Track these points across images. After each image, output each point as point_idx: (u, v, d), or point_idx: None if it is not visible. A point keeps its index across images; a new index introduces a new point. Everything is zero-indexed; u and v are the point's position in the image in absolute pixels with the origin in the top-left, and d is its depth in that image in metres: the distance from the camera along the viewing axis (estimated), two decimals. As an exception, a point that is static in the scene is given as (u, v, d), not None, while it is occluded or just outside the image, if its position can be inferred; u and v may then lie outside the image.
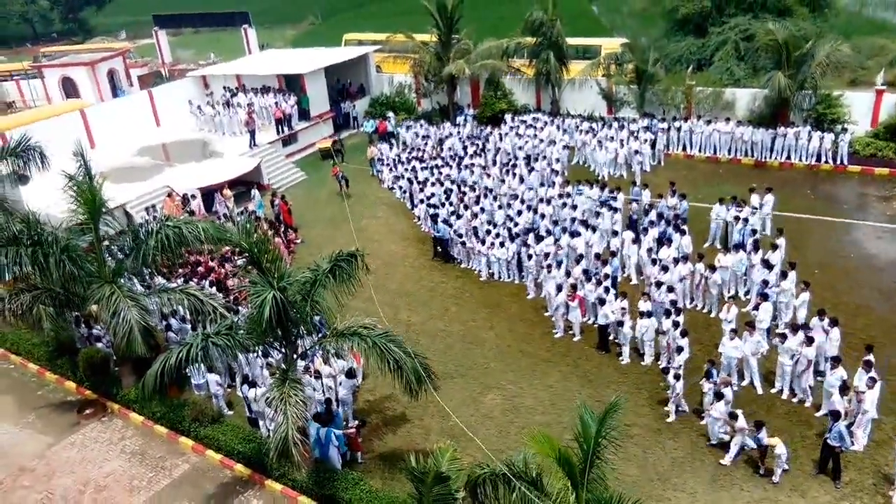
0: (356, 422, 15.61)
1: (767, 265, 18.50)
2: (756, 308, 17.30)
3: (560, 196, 24.23)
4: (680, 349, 15.97)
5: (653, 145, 28.91)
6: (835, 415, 13.48)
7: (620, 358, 17.68)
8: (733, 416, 14.11)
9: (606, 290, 18.34)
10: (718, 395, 14.44)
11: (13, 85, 50.59)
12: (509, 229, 22.10)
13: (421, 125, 34.05)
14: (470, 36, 34.77)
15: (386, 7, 69.57)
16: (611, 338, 18.24)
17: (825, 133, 27.25)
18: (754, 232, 20.43)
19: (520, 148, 29.63)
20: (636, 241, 20.88)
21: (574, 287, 18.61)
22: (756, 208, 21.86)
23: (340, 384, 16.21)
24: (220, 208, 27.16)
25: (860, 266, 20.70)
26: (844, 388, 14.10)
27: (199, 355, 13.76)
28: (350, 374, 16.23)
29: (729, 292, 19.35)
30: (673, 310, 16.97)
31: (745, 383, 16.11)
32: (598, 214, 22.84)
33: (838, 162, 27.04)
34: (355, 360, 16.77)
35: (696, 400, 15.56)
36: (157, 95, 36.67)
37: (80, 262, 16.64)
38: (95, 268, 16.96)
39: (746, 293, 19.24)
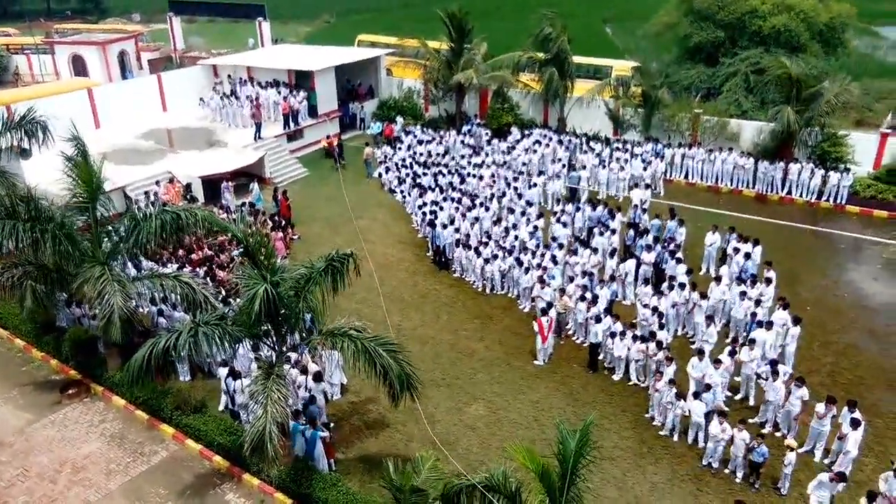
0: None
1: (758, 301, 18.52)
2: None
3: (561, 212, 24.28)
4: (670, 360, 16.14)
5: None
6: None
7: (614, 375, 17.73)
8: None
9: (607, 310, 18.41)
10: (722, 413, 14.62)
11: (24, 59, 50.66)
12: (502, 245, 22.07)
13: (423, 130, 34.11)
14: (480, 46, 34.87)
15: (402, 12, 69.87)
16: (600, 358, 18.24)
17: (829, 172, 27.30)
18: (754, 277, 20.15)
19: (524, 163, 29.68)
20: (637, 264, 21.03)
21: (545, 312, 18.29)
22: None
23: (309, 389, 15.92)
24: (224, 199, 27.10)
25: (853, 306, 20.75)
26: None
27: (188, 343, 13.72)
28: (318, 377, 15.96)
29: (721, 320, 19.40)
30: (658, 331, 17.20)
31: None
32: (592, 233, 22.88)
33: (838, 201, 27.16)
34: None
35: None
36: (165, 81, 36.59)
37: (75, 242, 16.59)
38: (90, 248, 16.90)
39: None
